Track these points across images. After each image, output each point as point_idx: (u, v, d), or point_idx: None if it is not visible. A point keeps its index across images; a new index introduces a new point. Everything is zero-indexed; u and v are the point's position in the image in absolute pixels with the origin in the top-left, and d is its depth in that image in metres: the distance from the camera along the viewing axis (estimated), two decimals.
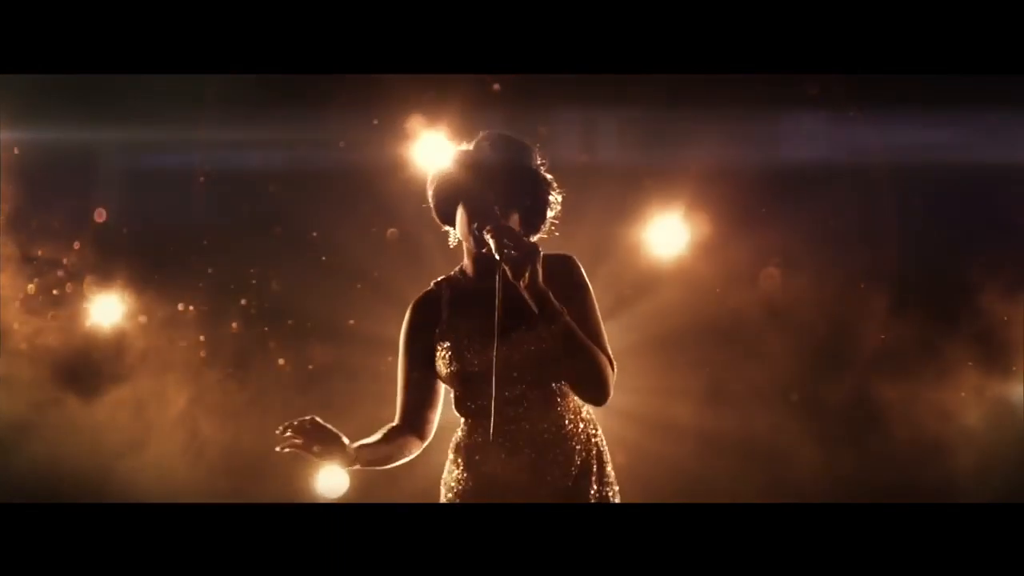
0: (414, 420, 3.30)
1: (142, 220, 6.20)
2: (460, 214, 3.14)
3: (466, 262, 3.25)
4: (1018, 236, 5.93)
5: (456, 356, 3.20)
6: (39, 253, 6.11)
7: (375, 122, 6.03)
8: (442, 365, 3.24)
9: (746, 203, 6.02)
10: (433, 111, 6.02)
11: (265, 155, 6.20)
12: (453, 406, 3.33)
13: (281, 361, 6.23)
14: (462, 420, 3.30)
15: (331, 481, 6.14)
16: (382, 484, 5.90)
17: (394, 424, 3.35)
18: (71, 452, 6.00)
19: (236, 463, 6.07)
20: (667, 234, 6.11)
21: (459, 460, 3.29)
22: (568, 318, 3.02)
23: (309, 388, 6.21)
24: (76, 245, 6.14)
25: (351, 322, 6.16)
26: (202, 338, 6.22)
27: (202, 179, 6.17)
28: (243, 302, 6.21)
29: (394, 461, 3.34)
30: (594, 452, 3.23)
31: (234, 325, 6.22)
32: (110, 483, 6.02)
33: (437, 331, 3.25)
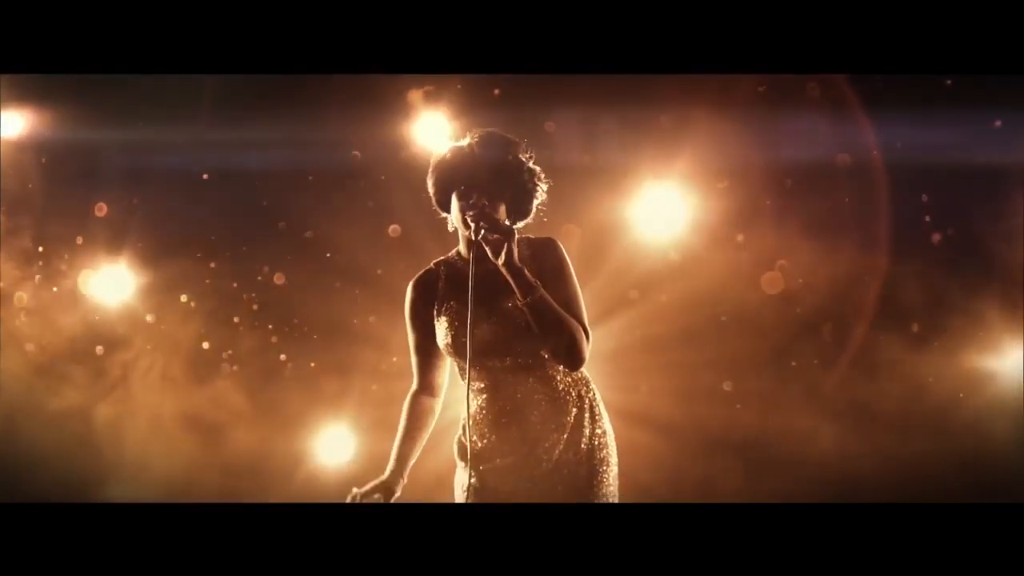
0: (427, 380, 3.69)
1: (144, 218, 6.21)
2: (454, 202, 3.49)
3: (461, 246, 3.62)
4: (1017, 235, 5.94)
5: (450, 331, 3.55)
6: (40, 250, 6.12)
7: (381, 119, 6.06)
8: (440, 339, 3.59)
9: (747, 203, 6.02)
10: (434, 109, 6.05)
11: (268, 154, 6.21)
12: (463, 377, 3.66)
13: (283, 357, 6.24)
14: (467, 387, 3.61)
15: (336, 448, 6.17)
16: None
17: (413, 392, 3.74)
18: (71, 451, 6.02)
19: (237, 461, 6.07)
20: (667, 233, 6.12)
21: (467, 425, 3.62)
22: (543, 292, 3.39)
23: (310, 386, 6.21)
24: (79, 240, 6.16)
25: (355, 321, 6.16)
26: (204, 337, 6.22)
27: (205, 177, 6.18)
28: (245, 297, 6.22)
29: (425, 439, 3.75)
30: (586, 405, 3.57)
31: (236, 319, 6.22)
32: (110, 482, 6.03)
33: (435, 308, 3.61)
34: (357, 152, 6.14)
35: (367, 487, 3.59)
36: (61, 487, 5.86)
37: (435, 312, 3.61)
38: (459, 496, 3.67)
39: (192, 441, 6.10)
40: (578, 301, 3.54)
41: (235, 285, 6.24)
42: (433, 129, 6.05)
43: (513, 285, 3.38)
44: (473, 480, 3.59)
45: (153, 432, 6.11)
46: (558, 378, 3.55)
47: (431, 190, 3.61)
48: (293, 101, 5.92)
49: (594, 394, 3.63)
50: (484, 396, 3.58)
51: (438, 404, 3.74)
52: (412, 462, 3.69)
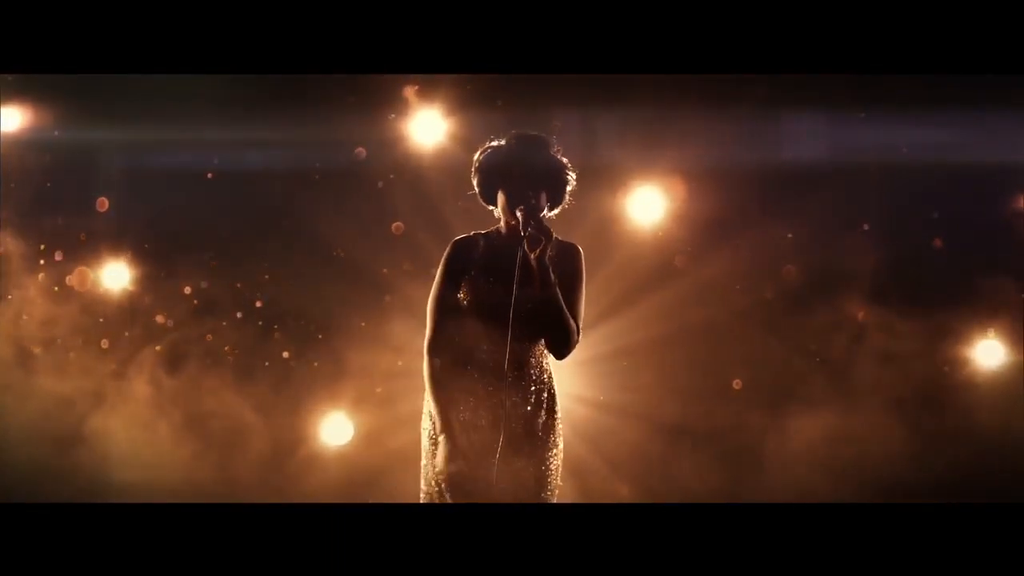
0: (443, 333, 4.05)
1: (147, 217, 6.22)
2: (500, 196, 4.02)
3: (501, 226, 4.10)
4: (1014, 234, 5.95)
5: (475, 288, 3.98)
6: (41, 247, 6.13)
7: (391, 116, 6.10)
8: (464, 293, 4.00)
9: (745, 203, 6.03)
10: (438, 108, 6.06)
11: (272, 152, 6.22)
12: (463, 335, 4.03)
13: (285, 354, 6.24)
14: (466, 349, 4.00)
15: (337, 428, 6.19)
16: (382, 484, 5.92)
17: (428, 348, 4.07)
18: (69, 449, 6.03)
19: (236, 460, 6.08)
20: (665, 233, 6.13)
21: (455, 375, 4.04)
22: (557, 290, 3.93)
23: (313, 384, 6.23)
24: (82, 237, 6.17)
25: (359, 320, 6.17)
26: (206, 334, 6.23)
27: (209, 176, 6.19)
28: (247, 295, 6.23)
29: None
30: (546, 388, 4.06)
31: (239, 315, 6.23)
32: (110, 481, 6.04)
33: (470, 263, 4.04)
34: (362, 149, 6.16)
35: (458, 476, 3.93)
36: (57, 486, 5.86)
37: (465, 270, 4.04)
38: (424, 441, 4.04)
39: (192, 439, 6.10)
40: (580, 305, 4.06)
41: (238, 285, 6.25)
42: (437, 128, 6.08)
43: (536, 277, 3.87)
44: (469, 398, 4.01)
45: (152, 431, 6.12)
46: (532, 361, 4.02)
47: (477, 187, 4.11)
48: (297, 100, 5.93)
49: (554, 383, 4.12)
50: (471, 355, 3.99)
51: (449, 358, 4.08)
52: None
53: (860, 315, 6.08)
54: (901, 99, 5.77)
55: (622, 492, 6.07)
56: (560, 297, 3.93)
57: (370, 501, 5.97)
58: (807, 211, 6.00)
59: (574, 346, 4.00)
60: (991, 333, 6.05)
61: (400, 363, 5.97)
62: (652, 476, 6.04)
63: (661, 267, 6.15)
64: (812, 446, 5.97)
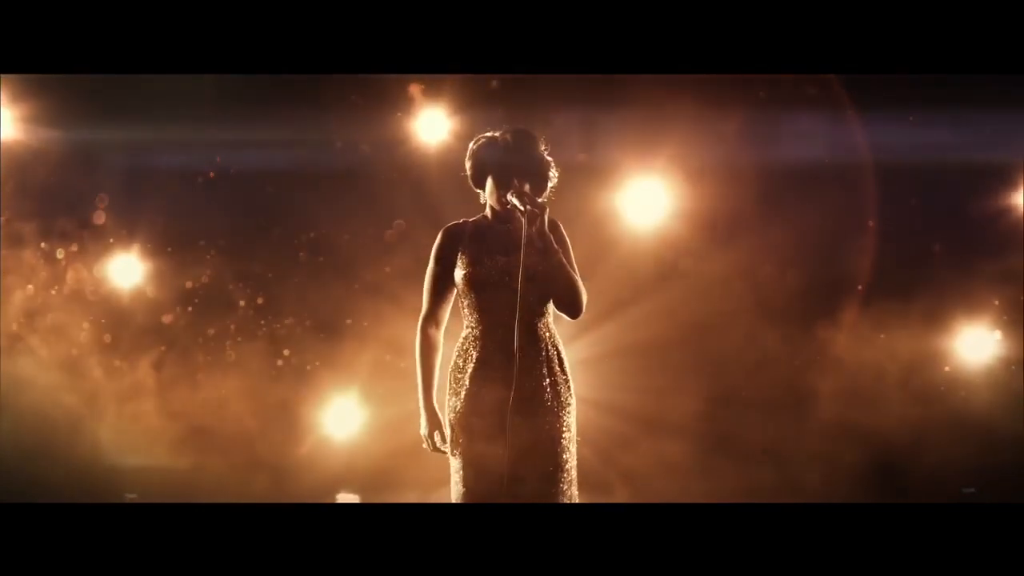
0: (436, 312, 4.37)
1: (148, 216, 6.23)
2: (490, 182, 4.29)
3: (487, 212, 4.37)
4: (1012, 233, 5.97)
5: (475, 261, 4.26)
6: (41, 246, 6.15)
7: (398, 115, 6.13)
8: (461, 268, 4.29)
9: (743, 203, 6.04)
10: (439, 108, 6.08)
11: (274, 153, 6.24)
12: (470, 311, 4.28)
13: (286, 352, 6.25)
14: (475, 321, 4.28)
15: (338, 428, 6.23)
16: (383, 483, 5.93)
17: (422, 325, 4.37)
18: (70, 449, 6.04)
19: (235, 459, 6.09)
20: (664, 234, 6.14)
21: (469, 352, 4.30)
22: (561, 256, 4.23)
23: (313, 384, 6.24)
24: (83, 235, 6.18)
25: (362, 320, 6.18)
26: (206, 333, 6.24)
27: (211, 175, 6.20)
28: (249, 293, 6.24)
29: (438, 369, 4.40)
30: (554, 354, 4.31)
31: (239, 313, 6.24)
32: (111, 481, 6.05)
33: (459, 250, 4.31)
34: (365, 146, 6.18)
35: (429, 441, 4.21)
36: (56, 485, 5.87)
37: (459, 252, 4.30)
38: (447, 418, 4.25)
39: (191, 438, 6.11)
40: (575, 267, 4.31)
41: (240, 284, 6.26)
42: (439, 127, 6.10)
43: (541, 247, 4.16)
44: (460, 401, 4.23)
45: (152, 429, 6.13)
46: (539, 324, 4.27)
47: (470, 172, 4.37)
48: (299, 101, 5.95)
49: (562, 347, 4.34)
50: (481, 327, 4.26)
51: (441, 336, 4.39)
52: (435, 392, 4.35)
53: (860, 315, 6.09)
54: (901, 99, 5.80)
55: (622, 492, 6.08)
56: (565, 262, 4.21)
57: (369, 500, 5.99)
58: (807, 211, 6.01)
59: (584, 301, 4.24)
60: (992, 333, 6.06)
61: (402, 364, 5.98)
62: (652, 476, 6.05)
63: (661, 267, 6.16)
64: (812, 446, 5.99)
